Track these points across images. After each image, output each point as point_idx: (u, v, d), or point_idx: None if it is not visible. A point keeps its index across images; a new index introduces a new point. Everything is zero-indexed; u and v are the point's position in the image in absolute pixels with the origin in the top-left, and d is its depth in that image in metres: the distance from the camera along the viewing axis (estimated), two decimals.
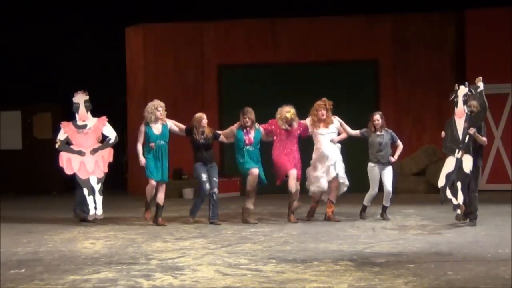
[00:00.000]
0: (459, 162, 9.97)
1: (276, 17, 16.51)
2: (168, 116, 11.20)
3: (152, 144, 10.91)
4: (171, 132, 11.14)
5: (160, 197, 11.05)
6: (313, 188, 11.01)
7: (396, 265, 7.32)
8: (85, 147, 11.19)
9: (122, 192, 17.09)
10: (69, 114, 11.73)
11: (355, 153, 12.75)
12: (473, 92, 10.16)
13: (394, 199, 11.95)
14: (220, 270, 7.24)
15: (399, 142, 11.19)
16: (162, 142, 10.97)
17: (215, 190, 10.91)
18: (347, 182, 11.07)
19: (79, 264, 7.75)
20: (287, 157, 10.97)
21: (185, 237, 9.68)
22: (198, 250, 8.54)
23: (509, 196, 13.55)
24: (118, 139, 11.49)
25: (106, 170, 11.24)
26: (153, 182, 10.96)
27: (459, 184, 9.93)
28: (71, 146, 11.22)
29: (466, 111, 9.99)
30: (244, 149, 11.02)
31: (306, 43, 16.35)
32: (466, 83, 10.18)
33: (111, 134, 11.37)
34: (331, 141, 11.03)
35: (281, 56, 16.39)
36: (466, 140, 9.94)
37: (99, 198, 11.06)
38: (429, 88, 15.99)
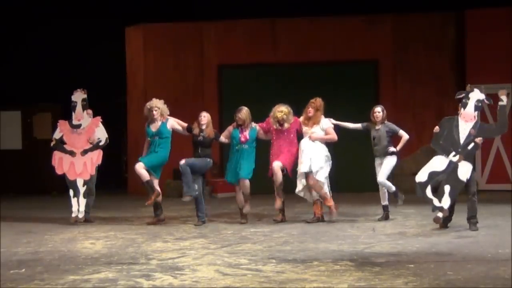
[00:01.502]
0: (453, 166, 9.58)
1: (276, 17, 16.51)
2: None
3: (148, 139, 11.10)
4: (174, 132, 11.15)
5: (143, 175, 10.99)
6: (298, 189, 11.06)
7: (396, 265, 7.32)
8: (76, 147, 11.22)
9: (122, 192, 17.09)
10: (69, 114, 11.76)
11: (354, 153, 12.77)
12: (490, 102, 9.78)
13: (394, 199, 11.93)
14: (220, 270, 7.24)
15: (401, 133, 11.03)
16: (156, 138, 11.01)
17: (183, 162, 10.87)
18: (322, 185, 10.84)
19: (79, 264, 7.75)
20: (277, 153, 11.01)
21: (185, 237, 9.68)
22: (198, 250, 8.54)
23: (509, 196, 13.55)
24: (108, 141, 11.41)
25: (93, 173, 11.24)
26: (139, 163, 10.90)
27: (447, 188, 9.52)
28: (65, 146, 11.28)
29: (476, 117, 9.67)
30: (237, 147, 11.05)
31: (306, 43, 16.35)
32: (483, 88, 9.81)
33: (103, 136, 11.35)
34: (310, 137, 10.93)
35: (281, 56, 16.39)
36: (470, 148, 9.61)
37: (82, 201, 11.08)
38: (429, 88, 15.98)
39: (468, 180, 9.62)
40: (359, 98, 15.75)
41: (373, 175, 11.16)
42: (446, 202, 9.48)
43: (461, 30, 16.06)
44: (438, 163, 9.67)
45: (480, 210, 11.64)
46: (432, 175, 9.59)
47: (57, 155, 11.25)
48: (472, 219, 9.76)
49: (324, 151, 10.94)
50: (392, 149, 10.91)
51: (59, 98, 16.83)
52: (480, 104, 9.69)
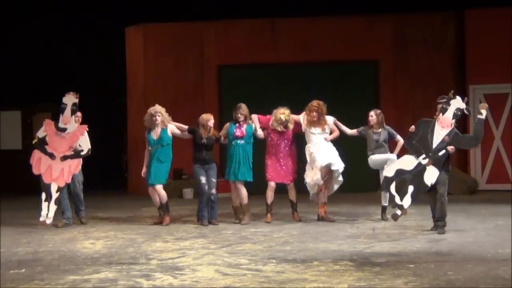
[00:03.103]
0: (420, 168, 9.53)
1: (276, 17, 16.51)
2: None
3: (150, 148, 11.04)
4: (173, 135, 11.14)
5: (155, 200, 11.07)
6: (311, 195, 11.07)
7: (396, 265, 7.32)
8: (57, 151, 10.91)
9: (122, 192, 17.08)
10: (58, 116, 11.67)
11: (354, 153, 12.75)
12: (470, 113, 9.87)
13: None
14: (220, 270, 7.24)
15: (398, 137, 11.13)
16: (158, 146, 10.99)
17: (214, 191, 10.95)
18: (340, 169, 10.92)
19: (79, 264, 7.75)
20: (277, 163, 11.09)
21: (185, 237, 9.68)
22: (198, 250, 8.54)
23: (509, 196, 13.55)
24: (90, 153, 11.03)
25: (69, 181, 10.92)
26: (150, 189, 11.04)
27: (410, 188, 9.54)
28: (46, 147, 10.94)
29: (452, 125, 9.57)
30: (234, 142, 11.09)
31: (306, 43, 16.35)
32: (466, 98, 9.75)
33: (85, 145, 10.95)
34: (325, 139, 11.02)
35: (281, 56, 16.39)
36: (440, 154, 9.50)
37: (53, 207, 10.82)
38: (429, 88, 15.97)
39: (439, 181, 9.48)
40: (359, 98, 15.76)
41: (373, 175, 11.17)
42: (407, 201, 9.60)
43: (461, 30, 16.06)
44: (407, 162, 9.70)
45: (480, 210, 11.68)
46: (399, 172, 9.66)
47: (36, 154, 10.97)
48: (440, 221, 9.59)
49: (333, 147, 11.11)
50: (392, 154, 11.02)
51: (59, 98, 16.83)
52: (459, 113, 9.59)
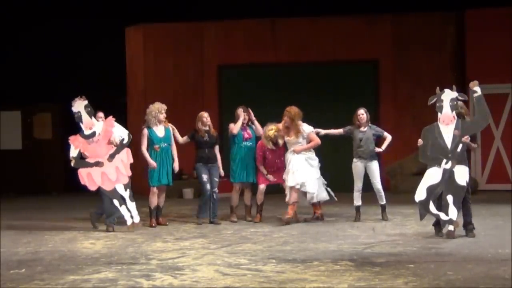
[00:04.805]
0: (448, 173, 9.10)
1: (276, 17, 16.51)
2: (168, 116, 11.16)
3: (156, 146, 10.85)
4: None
5: (161, 200, 11.05)
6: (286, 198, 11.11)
7: (396, 265, 7.33)
8: (100, 156, 10.27)
9: None
10: (69, 114, 11.61)
11: (350, 153, 12.77)
12: (465, 98, 9.29)
13: (394, 199, 11.97)
14: (220, 270, 7.25)
15: (386, 134, 11.17)
16: (165, 144, 10.89)
17: (215, 189, 10.98)
18: (323, 195, 11.04)
19: (79, 264, 7.76)
20: (269, 169, 11.20)
21: (185, 237, 9.69)
22: (198, 250, 8.55)
23: (509, 196, 13.55)
24: (131, 137, 10.57)
25: (130, 173, 10.36)
26: (155, 190, 10.92)
27: (450, 198, 9.04)
28: (87, 160, 10.30)
29: (456, 117, 9.18)
30: (243, 144, 11.15)
31: (306, 43, 16.35)
32: (454, 86, 9.35)
33: (123, 133, 10.42)
34: (294, 151, 10.89)
35: (281, 56, 16.39)
36: (459, 149, 9.12)
37: (132, 205, 10.26)
38: (429, 88, 15.86)
39: (465, 188, 9.14)
40: (359, 98, 15.73)
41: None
42: (453, 213, 9.01)
43: (461, 30, 16.06)
44: (432, 175, 9.21)
45: (480, 210, 11.67)
46: (430, 190, 9.13)
47: (83, 172, 10.29)
48: (468, 225, 9.32)
49: (307, 161, 10.90)
50: (379, 149, 11.06)
51: (59, 98, 16.84)
52: (455, 103, 9.19)
